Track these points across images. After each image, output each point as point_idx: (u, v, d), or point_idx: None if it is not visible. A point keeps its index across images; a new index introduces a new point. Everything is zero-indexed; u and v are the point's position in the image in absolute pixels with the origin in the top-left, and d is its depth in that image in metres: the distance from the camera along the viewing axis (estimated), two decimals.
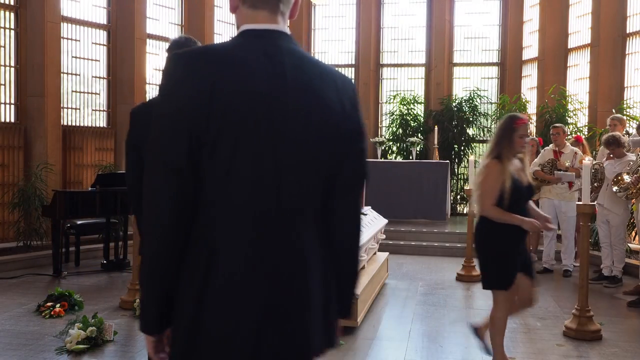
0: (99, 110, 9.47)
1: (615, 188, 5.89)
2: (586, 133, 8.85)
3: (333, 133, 1.48)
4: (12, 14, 8.27)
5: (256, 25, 1.48)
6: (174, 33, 10.25)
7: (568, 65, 10.34)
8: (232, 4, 1.52)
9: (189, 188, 1.34)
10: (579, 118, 9.78)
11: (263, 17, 1.48)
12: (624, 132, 7.14)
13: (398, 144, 11.45)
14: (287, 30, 1.52)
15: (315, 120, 1.44)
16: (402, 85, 12.00)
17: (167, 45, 2.46)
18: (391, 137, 11.56)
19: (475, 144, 11.57)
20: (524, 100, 10.56)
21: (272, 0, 1.49)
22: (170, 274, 1.37)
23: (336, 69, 1.60)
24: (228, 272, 1.34)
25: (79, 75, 9.14)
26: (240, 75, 1.37)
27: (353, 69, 12.09)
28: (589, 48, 9.64)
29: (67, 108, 8.98)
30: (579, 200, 5.09)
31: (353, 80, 11.84)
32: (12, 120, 8.32)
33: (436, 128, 10.65)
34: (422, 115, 11.64)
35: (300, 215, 1.44)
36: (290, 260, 1.40)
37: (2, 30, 8.17)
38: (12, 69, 8.28)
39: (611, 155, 6.32)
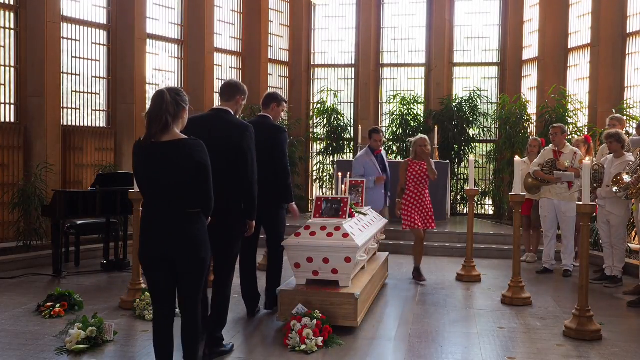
0: (99, 110, 9.47)
1: (614, 188, 5.86)
2: (586, 133, 8.84)
3: None
4: (12, 14, 8.27)
5: None
6: (174, 33, 10.26)
7: (568, 65, 10.34)
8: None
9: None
10: (579, 118, 9.78)
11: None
12: (624, 132, 7.13)
13: (398, 144, 11.45)
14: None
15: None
16: (402, 85, 12.00)
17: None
18: (391, 137, 11.55)
19: (475, 144, 11.58)
20: (524, 100, 10.55)
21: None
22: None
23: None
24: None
25: (79, 75, 9.14)
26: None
27: (353, 69, 12.10)
28: (589, 48, 9.65)
29: (67, 108, 8.98)
30: (579, 200, 5.09)
31: (353, 81, 11.92)
32: (12, 120, 8.32)
33: (436, 128, 10.65)
34: (422, 115, 11.64)
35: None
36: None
37: (2, 30, 8.18)
38: (12, 69, 8.28)
39: (607, 153, 6.32)
